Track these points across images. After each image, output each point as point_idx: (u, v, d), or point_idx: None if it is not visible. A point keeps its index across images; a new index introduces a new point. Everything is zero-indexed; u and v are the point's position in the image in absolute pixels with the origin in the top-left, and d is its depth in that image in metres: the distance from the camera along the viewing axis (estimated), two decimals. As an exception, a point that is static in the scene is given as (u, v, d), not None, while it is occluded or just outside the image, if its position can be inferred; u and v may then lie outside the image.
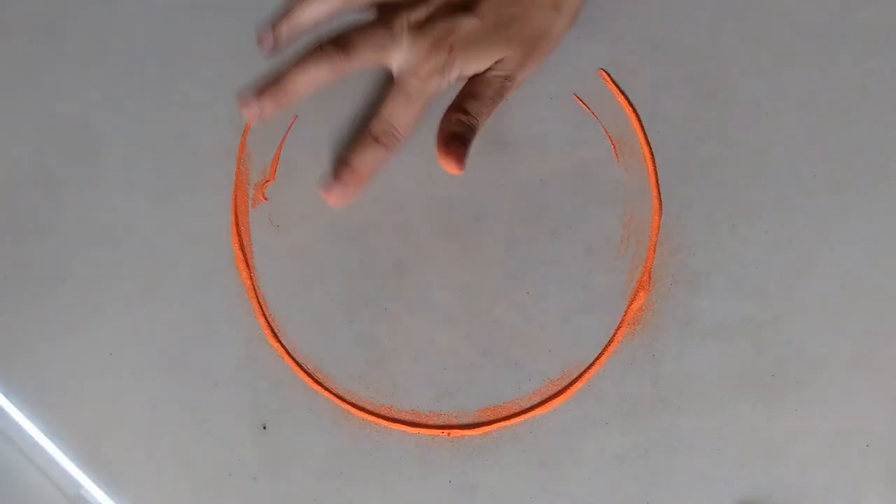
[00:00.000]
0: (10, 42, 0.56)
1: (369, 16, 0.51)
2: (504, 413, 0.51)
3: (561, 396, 0.51)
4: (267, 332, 0.52)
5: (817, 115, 0.52)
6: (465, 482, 0.50)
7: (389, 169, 0.53)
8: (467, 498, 0.50)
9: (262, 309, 0.52)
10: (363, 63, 0.49)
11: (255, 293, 0.52)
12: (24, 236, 0.54)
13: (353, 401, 0.51)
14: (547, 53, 0.50)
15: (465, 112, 0.49)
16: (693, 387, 0.50)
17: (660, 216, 0.52)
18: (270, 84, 0.49)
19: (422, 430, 0.51)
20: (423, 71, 0.48)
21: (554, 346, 0.51)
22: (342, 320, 0.52)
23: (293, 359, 0.52)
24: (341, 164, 0.51)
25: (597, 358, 0.51)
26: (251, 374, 0.51)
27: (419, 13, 0.48)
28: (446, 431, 0.51)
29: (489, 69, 0.49)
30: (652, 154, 0.52)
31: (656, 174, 0.52)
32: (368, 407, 0.51)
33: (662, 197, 0.52)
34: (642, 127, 0.52)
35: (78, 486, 0.51)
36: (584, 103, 0.53)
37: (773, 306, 0.50)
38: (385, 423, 0.51)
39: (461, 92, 0.50)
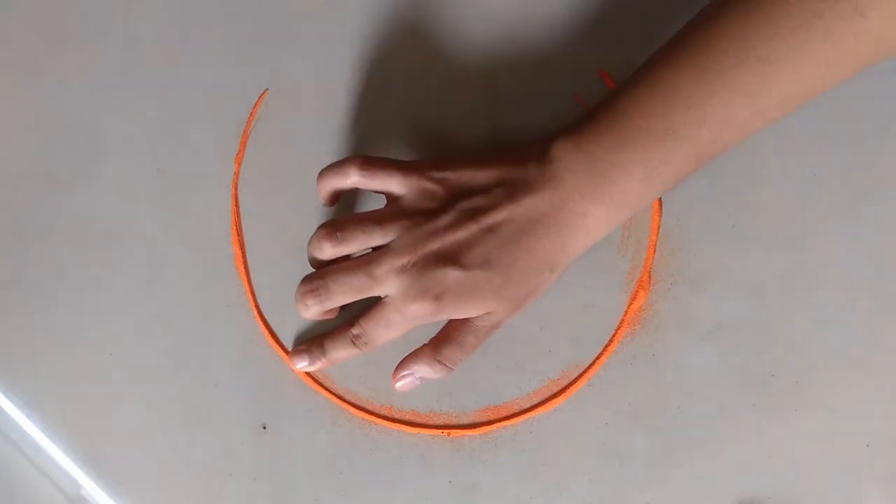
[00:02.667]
0: (10, 42, 0.56)
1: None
2: (504, 413, 0.51)
3: (561, 396, 0.51)
4: (266, 332, 0.52)
5: (817, 115, 0.52)
6: (465, 482, 0.50)
7: (389, 169, 0.53)
8: (467, 498, 0.50)
9: (261, 309, 0.52)
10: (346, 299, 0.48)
11: (255, 293, 0.52)
12: (24, 236, 0.54)
13: (353, 401, 0.51)
14: (532, 301, 0.48)
15: (442, 362, 0.48)
16: (693, 387, 0.50)
17: (660, 216, 0.52)
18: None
19: (422, 430, 0.51)
20: (407, 311, 0.46)
21: (554, 346, 0.51)
22: (342, 320, 0.52)
23: (293, 359, 0.52)
24: (316, 344, 0.50)
25: (597, 358, 0.51)
26: (251, 374, 0.51)
27: (404, 260, 0.46)
28: (446, 431, 0.51)
29: (476, 318, 0.47)
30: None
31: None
32: (368, 407, 0.51)
33: (662, 197, 0.52)
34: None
35: (78, 486, 0.51)
36: (584, 103, 0.52)
37: (773, 306, 0.50)
38: (385, 423, 0.51)
39: (443, 332, 0.49)
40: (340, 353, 0.50)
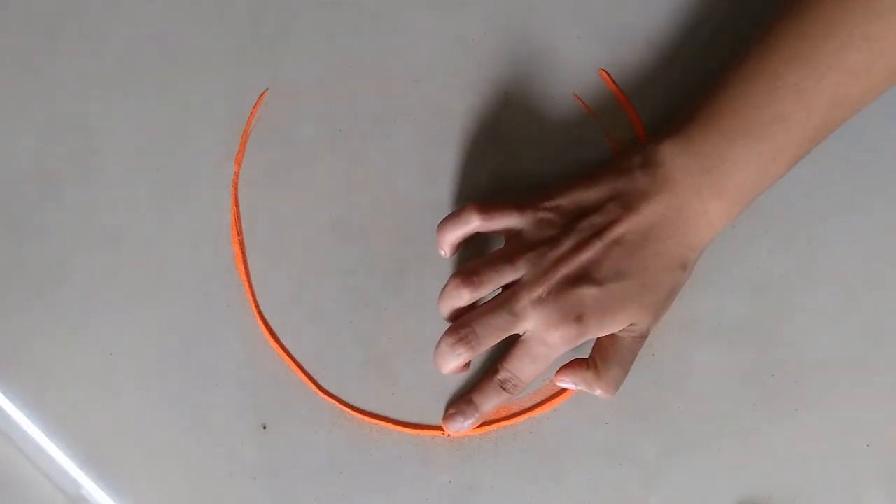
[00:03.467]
0: (10, 42, 0.56)
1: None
2: (504, 413, 0.51)
3: (561, 396, 0.51)
4: (266, 332, 0.52)
5: (817, 115, 0.52)
6: (465, 482, 0.50)
7: (389, 169, 0.53)
8: (467, 498, 0.50)
9: (261, 309, 0.52)
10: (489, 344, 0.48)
11: (255, 293, 0.52)
12: (24, 236, 0.54)
13: (353, 401, 0.51)
14: (671, 304, 0.48)
15: (605, 388, 0.48)
16: (693, 387, 0.50)
17: (660, 216, 0.52)
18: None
19: (422, 431, 0.51)
20: (551, 339, 0.46)
21: (554, 346, 0.51)
22: (342, 320, 0.52)
23: (293, 359, 0.52)
24: (465, 402, 0.50)
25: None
26: (251, 374, 0.51)
27: (539, 291, 0.46)
28: (446, 432, 0.51)
29: (623, 332, 0.47)
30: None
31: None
32: (368, 407, 0.51)
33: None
34: (642, 127, 0.52)
35: (78, 486, 0.51)
36: (584, 103, 0.52)
37: (773, 306, 0.50)
38: (385, 423, 0.51)
39: (598, 354, 0.48)
40: (492, 403, 0.49)
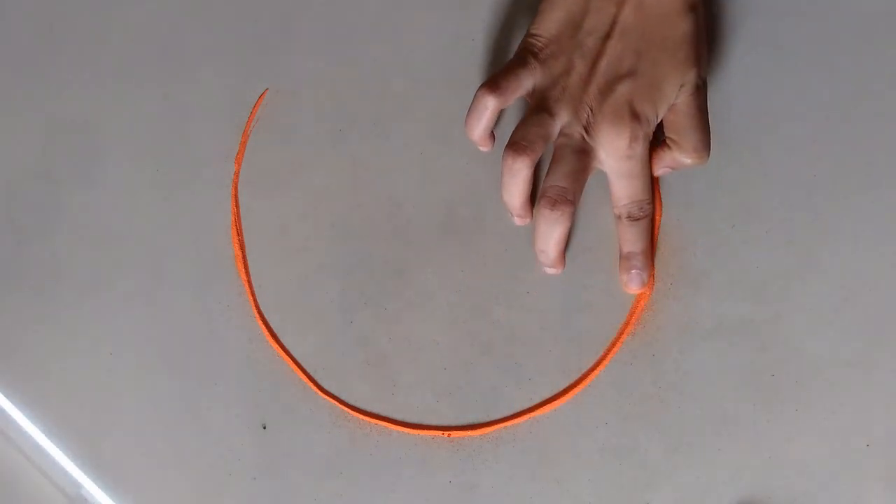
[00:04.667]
0: (10, 42, 0.56)
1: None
2: (504, 413, 0.51)
3: (562, 398, 0.51)
4: (266, 332, 0.52)
5: (817, 115, 0.52)
6: (465, 482, 0.50)
7: (389, 169, 0.53)
8: (467, 498, 0.50)
9: (261, 309, 0.52)
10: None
11: (255, 293, 0.52)
12: (24, 236, 0.54)
13: (353, 401, 0.51)
14: (705, 44, 0.49)
15: (698, 156, 0.49)
16: (693, 387, 0.50)
17: (660, 216, 0.52)
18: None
19: (422, 431, 0.51)
20: (626, 148, 0.47)
21: (554, 346, 0.51)
22: (342, 320, 0.52)
23: (293, 359, 0.52)
24: (628, 258, 0.50)
25: (601, 359, 0.51)
26: (251, 374, 0.51)
27: (585, 118, 0.48)
28: (446, 432, 0.51)
29: (678, 97, 0.48)
30: (652, 154, 0.52)
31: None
32: (368, 407, 0.51)
33: (662, 197, 0.52)
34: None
35: (78, 486, 0.51)
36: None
37: (773, 306, 0.50)
38: (385, 423, 0.51)
39: (669, 133, 0.49)
40: (642, 238, 0.50)
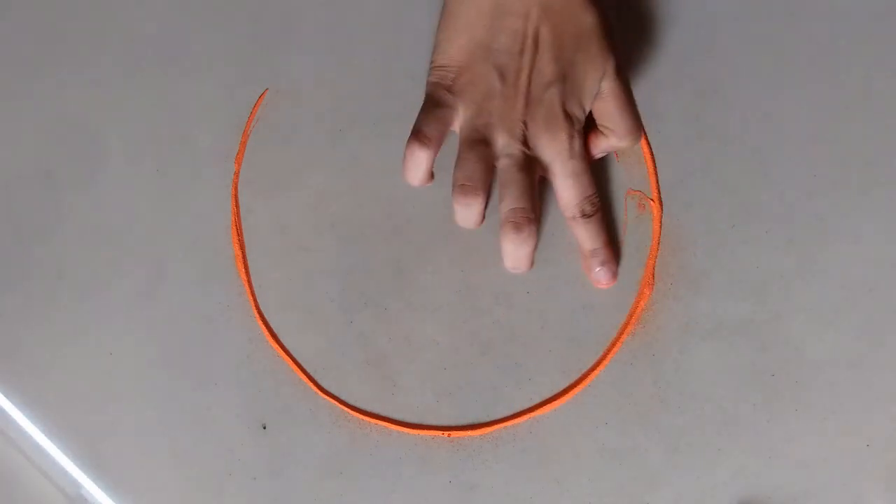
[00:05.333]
0: (10, 42, 0.56)
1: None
2: (504, 413, 0.51)
3: (562, 398, 0.51)
4: (266, 332, 0.52)
5: (817, 115, 0.52)
6: (465, 482, 0.50)
7: (389, 169, 0.53)
8: (467, 498, 0.50)
9: (261, 309, 0.52)
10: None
11: (255, 293, 0.52)
12: (24, 236, 0.54)
13: (353, 401, 0.51)
14: (613, 31, 0.49)
15: (629, 137, 0.50)
16: (693, 387, 0.50)
17: (660, 216, 0.52)
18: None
19: (422, 431, 0.51)
20: (566, 148, 0.48)
21: (554, 346, 0.51)
22: (342, 320, 0.52)
23: (293, 359, 0.52)
24: (590, 256, 0.51)
25: (601, 358, 0.51)
26: (251, 374, 0.51)
27: (519, 133, 0.48)
28: (446, 432, 0.51)
29: (602, 85, 0.49)
30: (652, 154, 0.52)
31: (656, 174, 0.52)
32: (368, 407, 0.51)
33: (662, 197, 0.52)
34: (643, 128, 0.52)
35: (78, 486, 0.51)
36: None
37: (773, 306, 0.50)
38: (385, 423, 0.51)
39: (600, 121, 0.50)
40: (598, 235, 0.50)
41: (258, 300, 0.52)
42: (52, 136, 0.55)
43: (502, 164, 0.49)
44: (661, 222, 0.52)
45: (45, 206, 0.54)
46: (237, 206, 0.53)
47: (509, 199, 0.48)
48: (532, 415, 0.50)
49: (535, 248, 0.49)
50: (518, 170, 0.48)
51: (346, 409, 0.51)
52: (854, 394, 0.50)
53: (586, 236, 0.50)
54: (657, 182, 0.52)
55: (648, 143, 0.52)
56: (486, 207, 0.49)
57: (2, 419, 0.52)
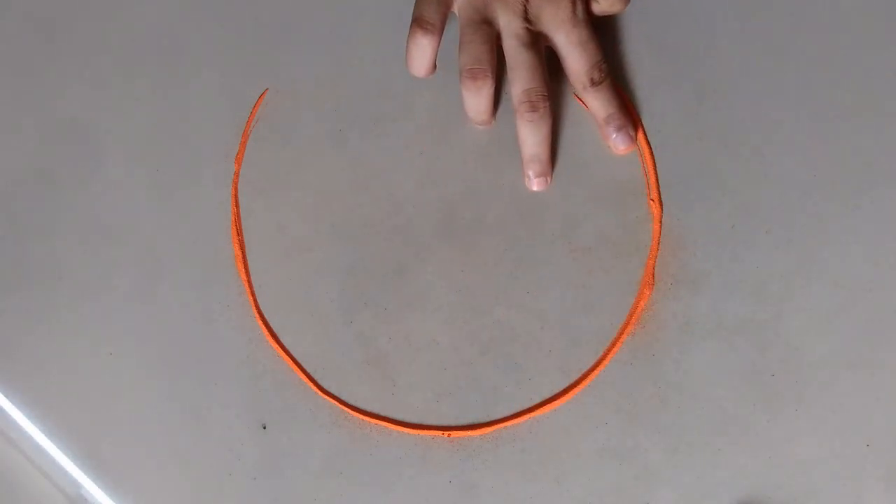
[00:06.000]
0: (10, 42, 0.56)
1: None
2: (504, 413, 0.51)
3: (562, 398, 0.51)
4: (266, 332, 0.52)
5: (817, 115, 0.52)
6: (465, 482, 0.50)
7: (389, 169, 0.53)
8: (467, 498, 0.50)
9: (261, 309, 0.52)
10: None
11: (255, 293, 0.52)
12: (24, 236, 0.54)
13: (353, 401, 0.51)
14: None
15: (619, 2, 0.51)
16: (693, 387, 0.50)
17: (660, 216, 0.52)
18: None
19: (422, 431, 0.51)
20: (569, 18, 0.49)
21: (554, 346, 0.51)
22: (342, 320, 0.52)
23: (293, 359, 0.52)
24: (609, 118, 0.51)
25: (601, 358, 0.51)
26: (251, 374, 0.51)
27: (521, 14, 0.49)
28: (446, 432, 0.51)
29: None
30: (652, 154, 0.52)
31: (656, 174, 0.52)
32: (368, 407, 0.51)
33: (662, 197, 0.52)
34: (642, 127, 0.52)
35: (78, 486, 0.51)
36: (584, 103, 0.52)
37: (773, 306, 0.50)
38: (385, 423, 0.51)
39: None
40: (614, 100, 0.51)
41: (258, 300, 0.52)
42: (51, 136, 0.55)
43: (508, 44, 0.49)
44: (661, 222, 0.52)
45: (44, 206, 0.54)
46: (237, 206, 0.53)
47: (520, 80, 0.49)
48: (532, 415, 0.50)
49: (552, 126, 0.50)
50: (524, 48, 0.48)
51: (346, 409, 0.51)
52: (854, 394, 0.50)
53: (599, 104, 0.51)
54: (657, 182, 0.52)
55: (648, 144, 0.52)
56: (494, 92, 0.49)
57: (2, 419, 0.52)
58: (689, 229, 0.52)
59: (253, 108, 0.54)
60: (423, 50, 0.49)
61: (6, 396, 0.52)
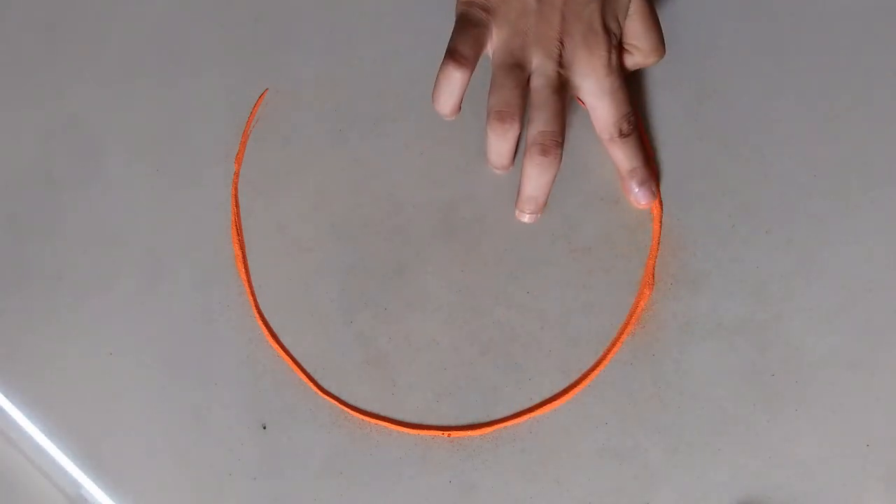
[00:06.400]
0: (10, 42, 0.56)
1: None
2: (504, 413, 0.51)
3: (562, 398, 0.51)
4: (266, 332, 0.52)
5: (817, 115, 0.52)
6: (465, 482, 0.50)
7: (389, 169, 0.53)
8: (467, 498, 0.50)
9: (261, 309, 0.52)
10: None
11: (255, 293, 0.52)
12: (24, 236, 0.54)
13: (353, 401, 0.51)
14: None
15: (656, 53, 0.51)
16: (693, 387, 0.50)
17: (660, 216, 0.52)
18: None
19: (422, 431, 0.51)
20: (604, 66, 0.48)
21: (554, 346, 0.51)
22: (342, 320, 0.52)
23: (293, 359, 0.52)
24: (635, 172, 0.51)
25: (601, 358, 0.51)
26: (251, 374, 0.51)
27: (555, 49, 0.48)
28: (446, 432, 0.51)
29: (630, 5, 0.49)
30: (652, 154, 0.52)
31: (656, 174, 0.52)
32: (368, 407, 0.51)
33: (662, 197, 0.52)
34: (642, 127, 0.52)
35: (78, 486, 0.51)
36: (584, 103, 0.52)
37: (773, 306, 0.50)
38: (385, 423, 0.51)
39: (626, 40, 0.50)
40: (638, 151, 0.51)
41: (258, 300, 0.52)
42: (52, 136, 0.55)
43: (535, 83, 0.48)
44: (661, 222, 0.52)
45: (45, 207, 0.54)
46: (237, 206, 0.53)
47: (539, 121, 0.48)
48: (532, 415, 0.50)
49: (557, 173, 0.49)
50: (552, 91, 0.48)
51: (346, 409, 0.51)
52: (854, 394, 0.50)
53: (624, 156, 0.50)
54: (657, 182, 0.52)
55: (649, 144, 0.52)
56: (519, 139, 0.49)
57: (2, 419, 0.52)
58: (689, 229, 0.52)
59: (253, 108, 0.54)
60: (453, 84, 0.48)
61: (6, 396, 0.52)
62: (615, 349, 0.51)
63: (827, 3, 0.53)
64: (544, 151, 0.48)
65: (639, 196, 0.51)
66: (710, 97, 0.53)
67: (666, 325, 0.51)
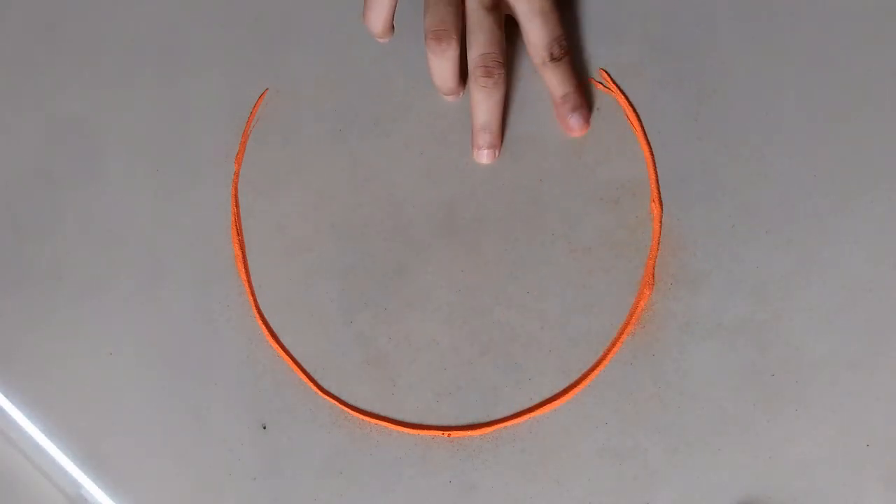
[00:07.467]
0: (10, 42, 0.56)
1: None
2: (504, 413, 0.51)
3: (562, 398, 0.51)
4: (266, 332, 0.52)
5: (817, 115, 0.52)
6: (465, 482, 0.50)
7: (389, 169, 0.53)
8: (467, 498, 0.50)
9: (261, 309, 0.52)
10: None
11: (255, 293, 0.52)
12: (24, 236, 0.54)
13: (353, 401, 0.51)
14: None
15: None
16: (693, 387, 0.50)
17: (660, 216, 0.52)
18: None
19: (422, 431, 0.51)
20: None
21: (554, 346, 0.51)
22: (342, 320, 0.52)
23: (293, 359, 0.52)
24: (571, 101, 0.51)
25: (601, 358, 0.51)
26: (251, 374, 0.51)
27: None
28: (446, 432, 0.51)
29: None
30: (652, 154, 0.52)
31: (656, 174, 0.52)
32: (368, 407, 0.51)
33: (662, 197, 0.52)
34: (642, 127, 0.52)
35: (78, 486, 0.51)
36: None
37: (773, 306, 0.50)
38: (385, 423, 0.51)
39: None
40: (571, 78, 0.51)
41: (258, 300, 0.52)
42: (51, 137, 0.55)
43: (469, 6, 0.49)
44: (661, 222, 0.52)
45: (44, 206, 0.54)
46: (237, 206, 0.53)
47: (478, 44, 0.49)
48: (532, 415, 0.50)
49: (504, 102, 0.49)
50: (486, 11, 0.48)
51: (346, 409, 0.51)
52: (854, 394, 0.50)
53: (556, 81, 0.51)
54: (657, 182, 0.52)
55: (648, 144, 0.52)
56: (459, 57, 0.49)
57: (2, 419, 0.52)
58: (689, 229, 0.52)
59: (253, 108, 0.54)
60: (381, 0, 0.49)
61: (6, 396, 0.52)
62: (615, 349, 0.51)
63: (827, 3, 0.53)
64: (488, 73, 0.48)
65: (572, 122, 0.51)
66: (710, 97, 0.53)
67: (666, 325, 0.51)
